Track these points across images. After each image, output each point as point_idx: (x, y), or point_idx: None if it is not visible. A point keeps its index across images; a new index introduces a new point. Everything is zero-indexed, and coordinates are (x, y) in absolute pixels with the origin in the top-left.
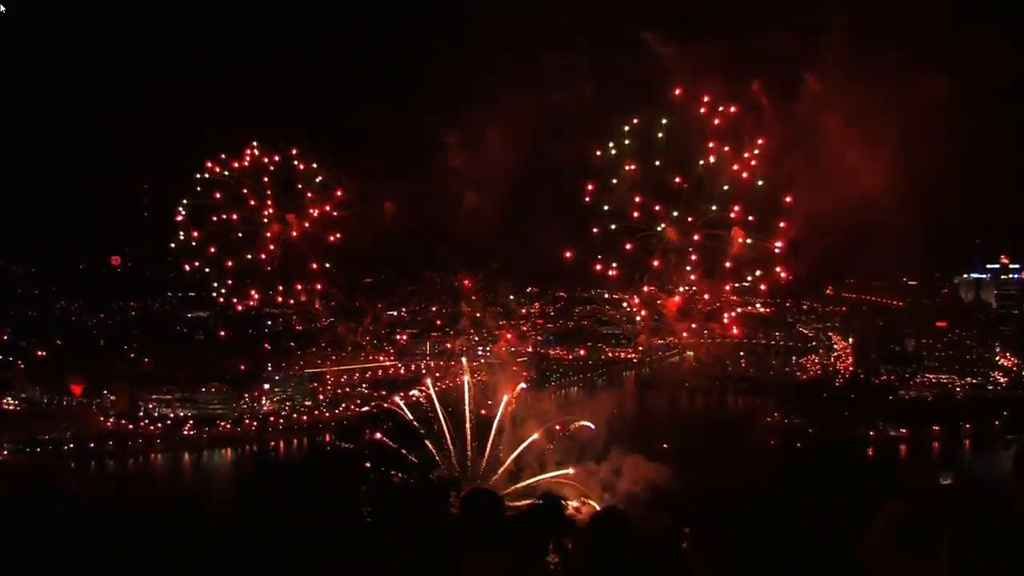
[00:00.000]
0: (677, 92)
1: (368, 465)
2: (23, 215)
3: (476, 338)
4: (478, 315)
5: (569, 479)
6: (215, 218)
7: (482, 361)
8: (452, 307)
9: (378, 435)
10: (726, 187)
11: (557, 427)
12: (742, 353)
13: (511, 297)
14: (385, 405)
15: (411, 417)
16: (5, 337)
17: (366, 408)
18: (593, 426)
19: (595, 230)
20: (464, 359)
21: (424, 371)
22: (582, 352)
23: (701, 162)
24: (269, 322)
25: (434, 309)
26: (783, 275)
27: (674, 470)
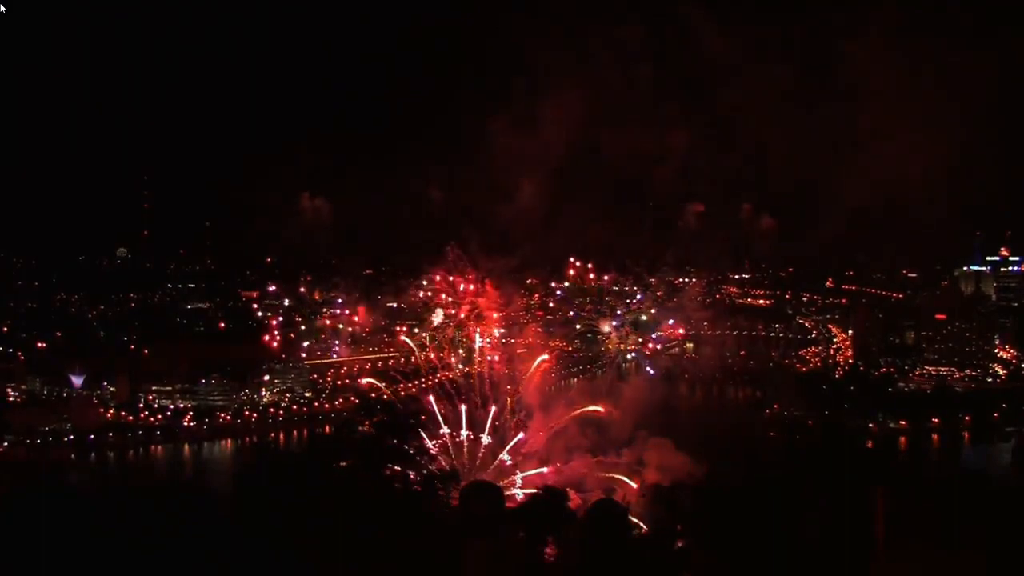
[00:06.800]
0: None
1: (365, 457)
2: (24, 209)
3: (484, 330)
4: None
5: (592, 469)
6: None
7: (486, 352)
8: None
9: (374, 428)
10: None
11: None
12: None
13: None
14: (385, 396)
15: (404, 410)
16: (5, 329)
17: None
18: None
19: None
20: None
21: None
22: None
23: None
24: (269, 313)
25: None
26: None
27: (697, 459)
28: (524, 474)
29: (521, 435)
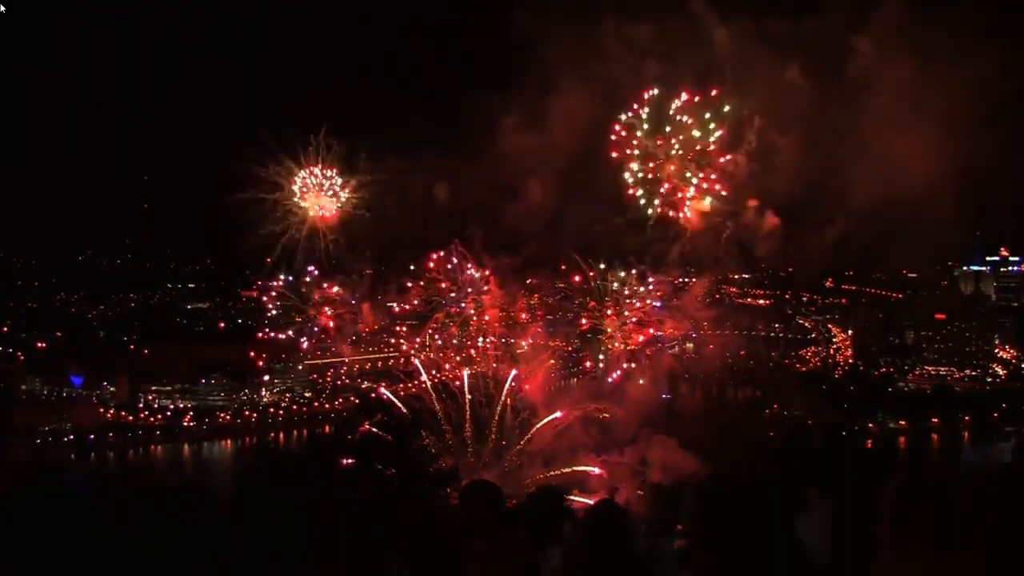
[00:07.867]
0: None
1: (363, 459)
2: (23, 208)
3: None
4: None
5: (595, 470)
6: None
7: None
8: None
9: (372, 428)
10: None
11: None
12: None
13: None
14: (385, 397)
15: (404, 409)
16: (5, 329)
17: (359, 400)
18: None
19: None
20: (479, 348)
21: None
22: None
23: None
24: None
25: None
26: None
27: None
28: (558, 471)
29: (532, 431)
